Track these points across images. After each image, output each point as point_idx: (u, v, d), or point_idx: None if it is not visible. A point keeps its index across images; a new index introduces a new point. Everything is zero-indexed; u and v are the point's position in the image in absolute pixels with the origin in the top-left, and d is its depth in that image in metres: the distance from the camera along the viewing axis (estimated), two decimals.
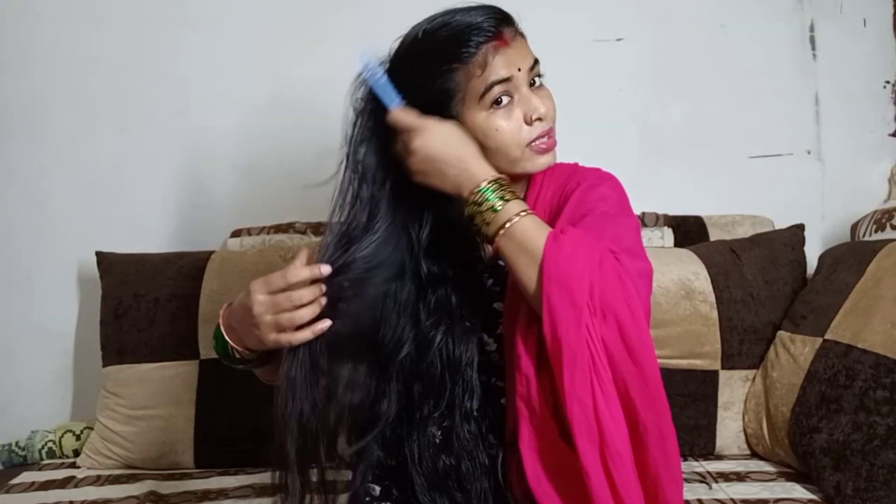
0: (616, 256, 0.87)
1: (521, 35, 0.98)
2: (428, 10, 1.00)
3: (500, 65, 0.93)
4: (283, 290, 0.90)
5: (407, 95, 0.96)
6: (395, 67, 0.98)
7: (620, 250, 0.88)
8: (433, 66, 0.95)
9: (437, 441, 1.00)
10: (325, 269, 0.91)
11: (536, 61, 0.98)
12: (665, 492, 0.83)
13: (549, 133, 0.98)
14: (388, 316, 0.99)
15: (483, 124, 0.94)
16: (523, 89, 0.95)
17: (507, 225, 0.89)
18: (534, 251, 0.87)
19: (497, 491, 0.99)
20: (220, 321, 0.99)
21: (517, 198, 0.91)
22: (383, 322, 0.99)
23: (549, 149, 0.98)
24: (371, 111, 0.98)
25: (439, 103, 0.95)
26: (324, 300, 0.91)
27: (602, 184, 1.02)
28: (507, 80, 0.94)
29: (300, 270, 0.90)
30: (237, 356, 1.00)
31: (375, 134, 0.98)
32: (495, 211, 0.89)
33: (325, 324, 0.91)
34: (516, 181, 1.04)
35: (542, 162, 0.98)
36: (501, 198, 0.90)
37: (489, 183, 0.91)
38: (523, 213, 0.89)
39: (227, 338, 0.98)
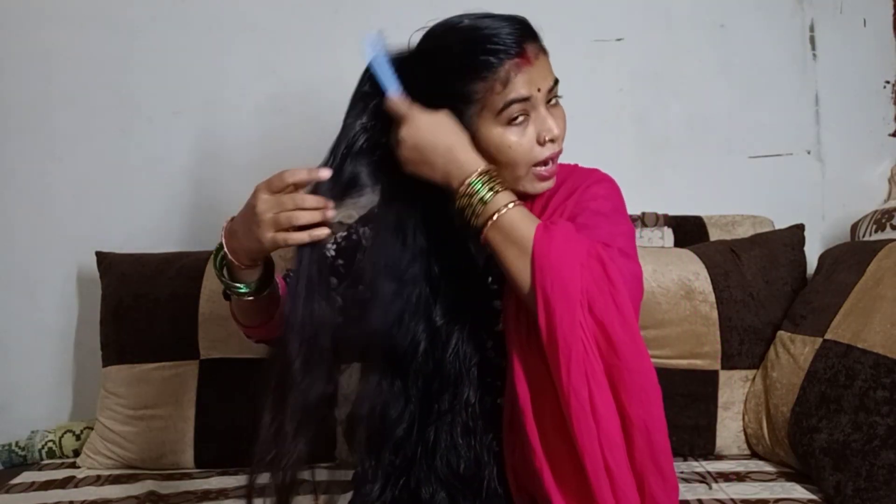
0: (606, 251, 0.87)
1: (544, 52, 0.97)
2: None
3: (521, 84, 0.92)
4: (285, 190, 0.92)
5: (422, 91, 0.95)
6: (415, 60, 0.97)
7: (613, 248, 0.89)
8: (455, 70, 0.94)
9: (443, 438, 1.00)
10: (325, 173, 0.93)
11: (556, 81, 0.97)
12: (650, 485, 0.84)
13: (556, 158, 0.98)
14: (399, 319, 0.98)
15: (497, 140, 0.94)
16: (541, 108, 0.95)
17: (496, 216, 0.89)
18: (523, 243, 0.87)
19: (492, 485, 1.00)
20: (223, 230, 0.97)
21: (506, 189, 0.91)
22: (396, 325, 0.98)
23: (550, 177, 0.99)
24: (369, 95, 0.98)
25: (455, 106, 0.94)
26: (329, 213, 0.92)
27: (598, 184, 1.03)
28: (526, 99, 0.93)
29: (299, 171, 0.93)
30: (231, 278, 0.98)
31: (374, 127, 0.98)
32: (484, 203, 0.89)
33: (324, 231, 0.92)
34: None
35: (540, 187, 0.99)
36: (491, 189, 0.90)
37: (479, 174, 0.90)
38: (511, 205, 0.89)
39: (225, 246, 0.96)
